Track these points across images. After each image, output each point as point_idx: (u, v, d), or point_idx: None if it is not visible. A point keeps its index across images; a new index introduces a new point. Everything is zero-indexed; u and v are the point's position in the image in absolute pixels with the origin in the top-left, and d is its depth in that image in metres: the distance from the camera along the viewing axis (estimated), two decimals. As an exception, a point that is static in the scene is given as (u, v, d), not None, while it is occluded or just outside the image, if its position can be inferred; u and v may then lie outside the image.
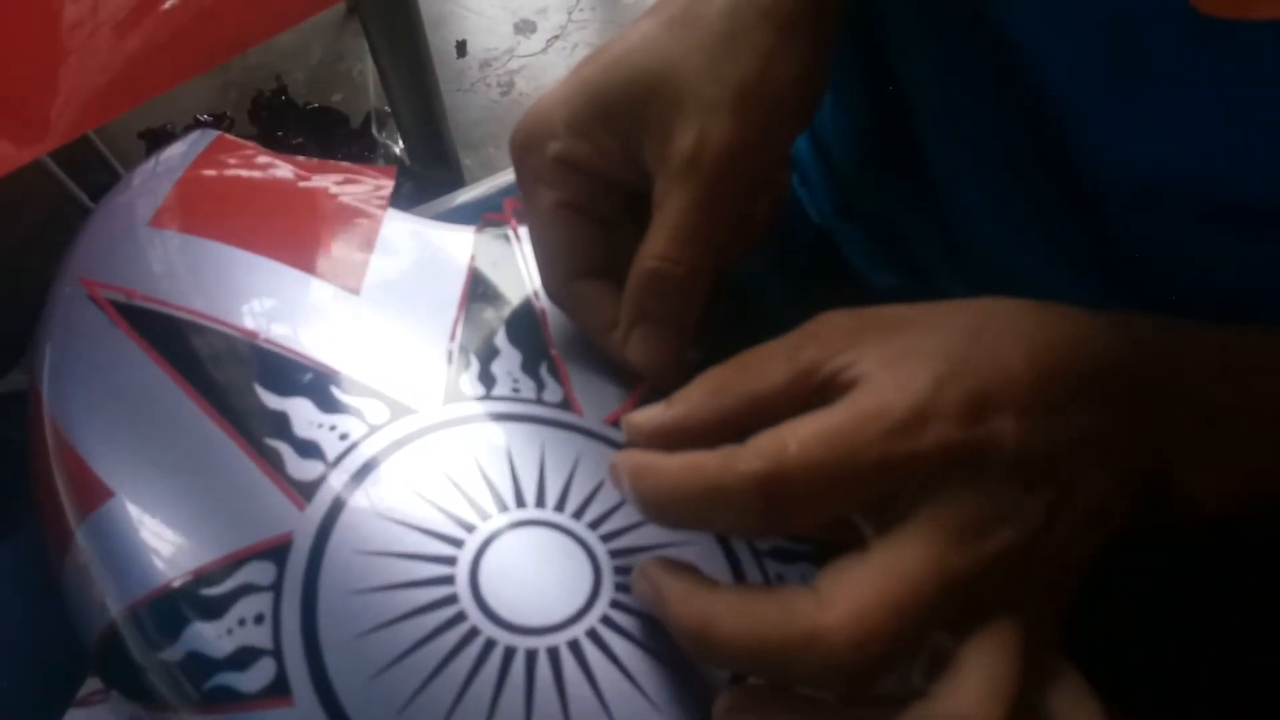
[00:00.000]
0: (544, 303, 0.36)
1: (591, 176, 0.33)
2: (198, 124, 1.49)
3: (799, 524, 0.26)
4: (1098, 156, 0.34)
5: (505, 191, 0.56)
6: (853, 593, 0.23)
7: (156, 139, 1.44)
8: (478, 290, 0.36)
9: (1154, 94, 0.31)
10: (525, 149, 0.34)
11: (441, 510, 0.29)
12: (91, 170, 1.23)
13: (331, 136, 1.49)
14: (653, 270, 0.31)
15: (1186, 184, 0.32)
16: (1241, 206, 0.30)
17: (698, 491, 0.24)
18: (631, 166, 0.32)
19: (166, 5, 0.72)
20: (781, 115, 0.32)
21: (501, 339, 0.35)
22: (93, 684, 0.36)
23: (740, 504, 0.24)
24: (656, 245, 0.31)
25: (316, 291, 0.35)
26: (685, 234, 0.31)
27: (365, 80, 1.60)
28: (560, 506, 0.29)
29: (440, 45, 1.65)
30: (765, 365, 0.27)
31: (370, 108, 1.51)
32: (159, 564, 0.28)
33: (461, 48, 1.69)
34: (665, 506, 0.25)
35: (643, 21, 0.33)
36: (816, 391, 0.26)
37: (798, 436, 0.24)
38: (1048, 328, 0.26)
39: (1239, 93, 0.30)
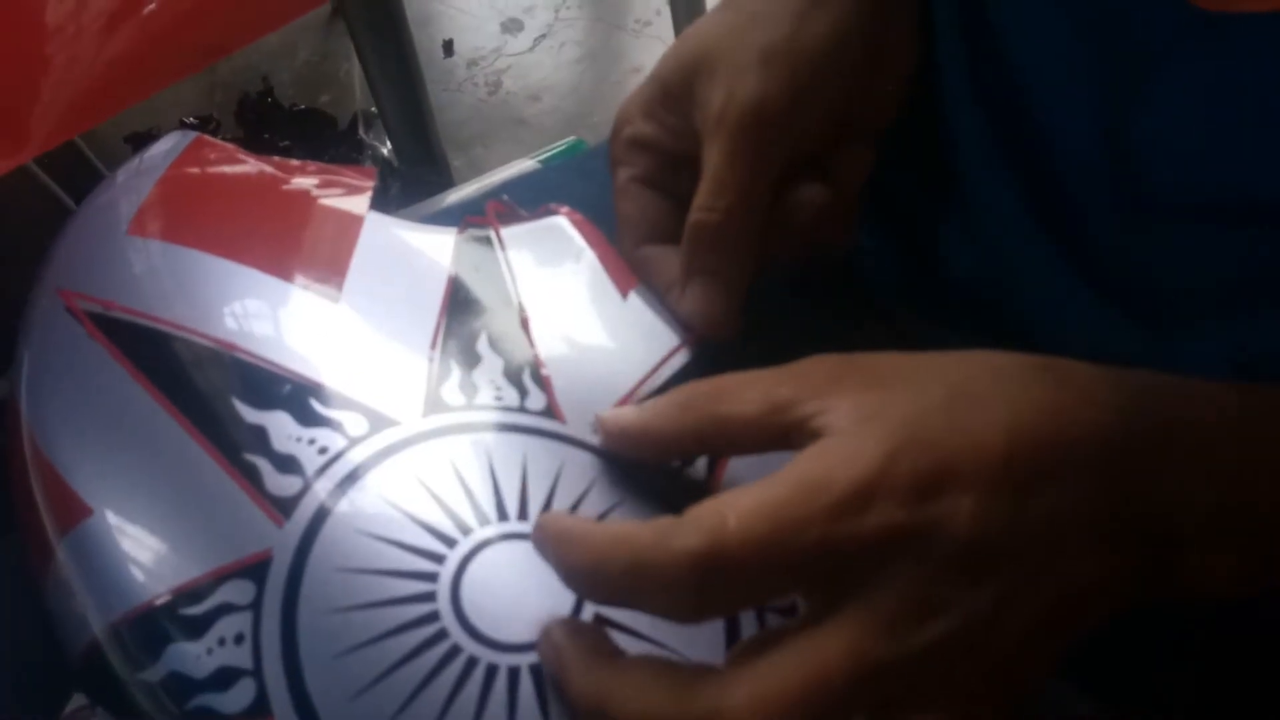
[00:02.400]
0: (527, 307, 0.36)
1: (659, 154, 0.37)
2: (184, 127, 1.48)
3: (732, 608, 0.25)
4: (1088, 148, 0.34)
5: (493, 192, 0.56)
6: (761, 678, 0.22)
7: (143, 143, 1.42)
8: (459, 296, 0.36)
9: (1143, 86, 0.31)
10: (612, 136, 0.38)
11: (423, 525, 0.28)
12: (78, 175, 1.22)
13: (318, 138, 1.48)
14: (693, 221, 0.34)
15: (1174, 176, 0.31)
16: (1228, 198, 0.30)
17: (625, 566, 0.23)
18: (691, 140, 0.35)
19: (147, 10, 0.71)
20: (811, 72, 0.34)
21: (484, 345, 0.34)
22: (79, 700, 0.36)
23: (672, 583, 0.22)
24: (697, 198, 0.34)
25: (295, 300, 0.34)
26: (719, 184, 0.33)
27: (352, 81, 1.59)
28: None
29: (427, 45, 1.65)
30: (742, 392, 0.27)
31: (357, 109, 1.50)
32: (138, 582, 0.27)
33: (448, 47, 1.68)
34: (590, 579, 0.24)
35: (705, 15, 0.37)
36: (785, 431, 0.26)
37: (737, 510, 0.22)
38: (1040, 392, 0.25)
39: (1229, 85, 0.30)
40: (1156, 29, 0.30)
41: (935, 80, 0.39)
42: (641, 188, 0.37)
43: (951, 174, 0.41)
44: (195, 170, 0.41)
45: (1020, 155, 0.37)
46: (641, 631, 0.27)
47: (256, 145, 1.45)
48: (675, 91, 0.36)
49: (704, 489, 0.31)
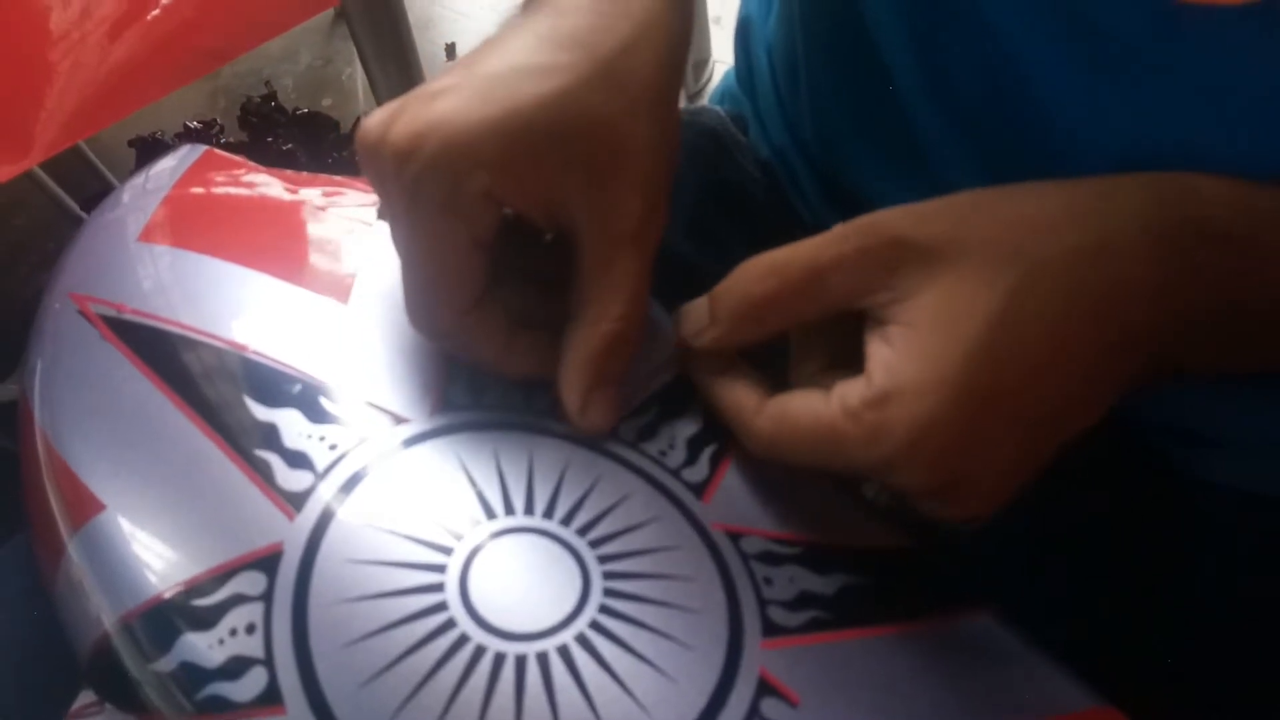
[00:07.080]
0: None
1: (499, 214, 0.31)
2: (187, 131, 1.49)
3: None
4: (1074, 140, 0.35)
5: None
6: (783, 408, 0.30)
7: (146, 147, 1.44)
8: None
9: (1123, 80, 0.32)
10: (435, 173, 0.29)
11: (431, 518, 0.29)
12: (82, 178, 1.23)
13: (321, 142, 1.49)
14: (609, 333, 0.31)
15: (1159, 166, 0.32)
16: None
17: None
18: (547, 209, 0.31)
19: (151, 16, 0.72)
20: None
21: None
22: (86, 696, 0.36)
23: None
24: (615, 307, 0.31)
25: (305, 303, 0.35)
26: (638, 296, 0.32)
27: (354, 85, 1.60)
28: (549, 513, 0.30)
29: (429, 48, 1.65)
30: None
31: (360, 112, 1.51)
32: (150, 576, 0.28)
33: (451, 50, 1.69)
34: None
35: (566, 52, 0.31)
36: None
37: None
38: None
39: (1207, 77, 0.30)
40: (1132, 23, 0.31)
41: (920, 88, 0.40)
42: (480, 250, 0.31)
43: (914, 155, 0.41)
44: (202, 185, 0.42)
45: (1010, 152, 0.38)
46: (647, 623, 0.28)
47: (259, 149, 1.45)
48: (554, 156, 0.30)
49: (704, 487, 0.32)
